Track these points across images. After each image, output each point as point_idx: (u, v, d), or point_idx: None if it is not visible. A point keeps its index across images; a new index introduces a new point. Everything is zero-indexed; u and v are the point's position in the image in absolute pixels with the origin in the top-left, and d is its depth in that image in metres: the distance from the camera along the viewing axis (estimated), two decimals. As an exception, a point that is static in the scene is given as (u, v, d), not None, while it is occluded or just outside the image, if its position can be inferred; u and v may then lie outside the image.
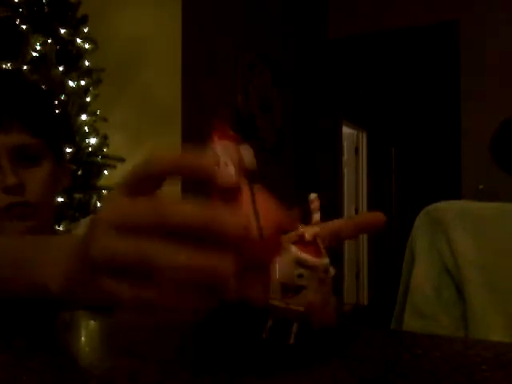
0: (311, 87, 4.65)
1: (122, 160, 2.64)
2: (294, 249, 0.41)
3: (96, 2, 2.92)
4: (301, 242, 0.41)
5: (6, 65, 2.19)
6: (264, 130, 3.93)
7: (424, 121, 6.60)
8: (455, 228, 0.78)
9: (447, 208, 0.82)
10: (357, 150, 6.34)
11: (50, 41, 2.33)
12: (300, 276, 0.41)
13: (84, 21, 2.54)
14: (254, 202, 0.38)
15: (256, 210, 0.37)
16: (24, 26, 2.27)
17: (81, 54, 2.51)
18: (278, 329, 0.42)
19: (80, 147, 2.43)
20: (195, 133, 3.18)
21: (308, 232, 0.42)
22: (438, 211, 0.82)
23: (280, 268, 0.40)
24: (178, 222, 0.34)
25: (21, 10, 2.29)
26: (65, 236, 0.59)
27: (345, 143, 5.83)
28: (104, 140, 2.57)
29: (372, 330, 0.53)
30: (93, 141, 2.51)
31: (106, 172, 2.57)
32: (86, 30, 2.55)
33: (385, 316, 1.31)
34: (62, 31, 2.41)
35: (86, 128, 2.49)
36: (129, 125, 3.09)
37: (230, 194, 0.37)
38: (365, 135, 6.35)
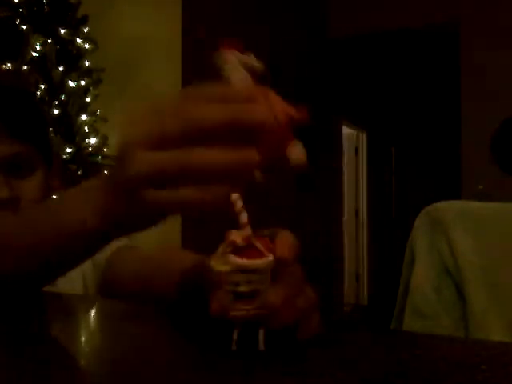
0: (311, 87, 4.65)
1: (121, 160, 2.63)
2: (232, 258, 0.39)
3: (96, 1, 2.92)
4: (236, 249, 0.40)
5: (6, 65, 2.19)
6: (264, 130, 3.93)
7: (424, 121, 6.60)
8: (455, 228, 0.78)
9: (447, 208, 0.82)
10: (357, 150, 6.34)
11: (49, 41, 2.34)
12: (249, 282, 0.39)
13: (84, 21, 2.54)
14: (266, 98, 0.39)
15: (270, 102, 0.39)
16: (24, 26, 2.27)
17: (81, 54, 2.51)
18: (247, 338, 0.40)
19: (80, 147, 2.43)
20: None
21: (239, 237, 0.40)
22: (438, 211, 0.82)
23: (227, 281, 0.39)
24: (207, 122, 0.36)
25: (21, 10, 2.29)
26: (85, 182, 0.60)
27: (345, 143, 5.83)
28: (104, 140, 2.57)
29: (372, 330, 0.53)
30: (93, 141, 2.51)
31: (105, 172, 2.57)
32: (86, 30, 2.55)
33: (385, 316, 1.31)
34: (62, 31, 2.41)
35: (86, 128, 2.49)
36: (129, 125, 3.09)
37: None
38: (365, 135, 6.35)
